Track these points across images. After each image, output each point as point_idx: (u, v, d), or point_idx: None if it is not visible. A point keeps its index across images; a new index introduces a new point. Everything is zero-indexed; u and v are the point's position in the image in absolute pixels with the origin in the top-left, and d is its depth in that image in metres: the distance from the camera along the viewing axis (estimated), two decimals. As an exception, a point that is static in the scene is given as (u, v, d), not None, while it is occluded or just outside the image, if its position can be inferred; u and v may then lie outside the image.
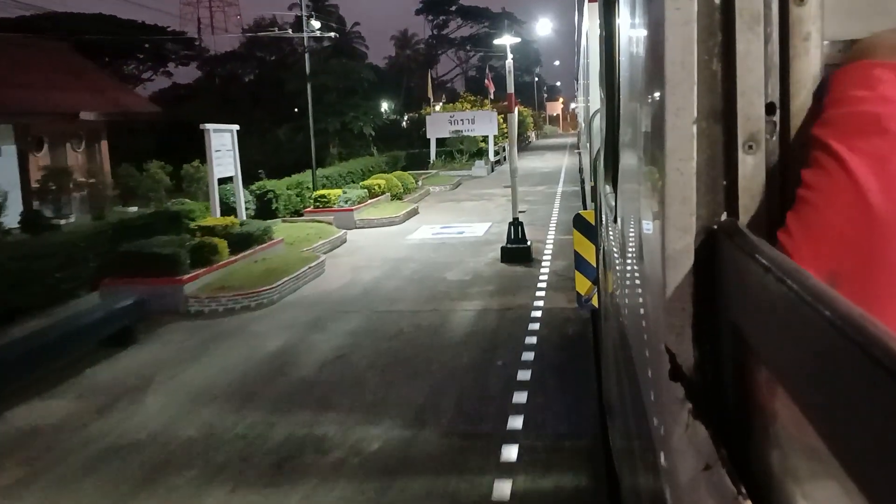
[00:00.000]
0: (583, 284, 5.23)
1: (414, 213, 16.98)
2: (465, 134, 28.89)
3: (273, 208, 16.06)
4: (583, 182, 18.86)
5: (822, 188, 0.71)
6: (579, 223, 5.28)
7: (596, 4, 4.62)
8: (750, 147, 0.76)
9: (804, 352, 0.49)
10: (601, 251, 3.02)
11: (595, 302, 4.57)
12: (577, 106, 23.51)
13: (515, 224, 10.94)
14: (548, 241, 12.47)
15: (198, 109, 29.44)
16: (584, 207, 12.38)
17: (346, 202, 15.53)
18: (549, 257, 11.09)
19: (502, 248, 10.92)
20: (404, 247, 12.84)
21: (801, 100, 0.78)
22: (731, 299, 0.71)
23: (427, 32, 75.58)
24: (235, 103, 27.16)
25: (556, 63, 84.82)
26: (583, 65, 11.19)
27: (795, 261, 0.64)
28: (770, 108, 0.77)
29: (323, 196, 15.68)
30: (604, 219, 2.61)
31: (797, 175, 0.75)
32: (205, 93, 37.15)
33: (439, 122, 29.34)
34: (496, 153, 32.25)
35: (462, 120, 29.20)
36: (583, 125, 18.03)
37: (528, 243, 10.93)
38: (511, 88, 11.14)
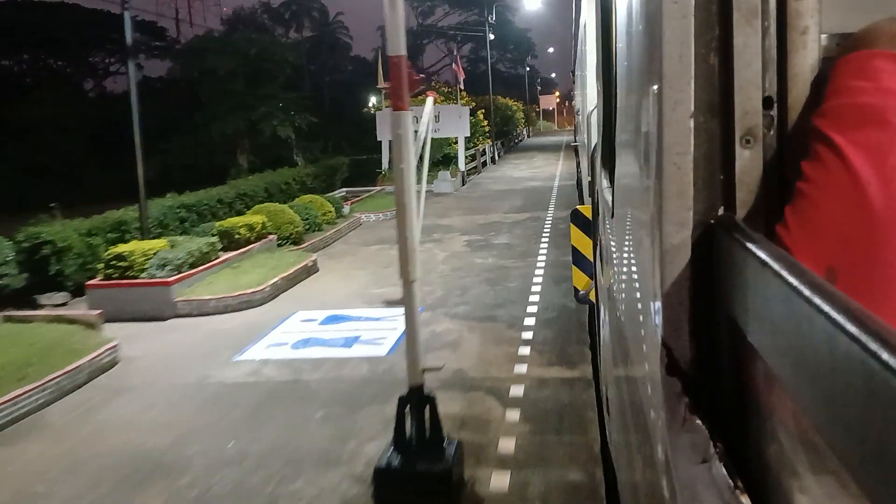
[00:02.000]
0: (580, 279, 4.99)
1: (305, 274, 10.10)
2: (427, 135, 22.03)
3: (54, 273, 9.20)
4: (581, 196, 12.68)
5: (820, 181, 0.69)
6: (576, 218, 4.92)
7: None
8: (747, 141, 0.76)
9: (801, 346, 0.49)
10: (598, 246, 2.78)
11: (592, 296, 3.98)
12: (575, 100, 18.77)
13: (418, 407, 4.08)
14: (512, 393, 5.57)
15: (154, 105, 24.56)
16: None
17: (162, 268, 8.63)
18: (506, 486, 4.22)
19: (378, 473, 4.04)
20: (210, 393, 5.92)
21: (799, 94, 0.77)
22: (729, 294, 0.70)
23: (414, 21, 70.28)
24: (210, 97, 21.71)
25: (551, 50, 76.57)
26: (580, 55, 9.87)
27: (793, 255, 0.64)
28: (767, 103, 0.76)
29: (121, 257, 8.73)
30: (601, 213, 2.45)
31: (795, 169, 0.74)
32: (178, 86, 32.70)
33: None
34: (471, 158, 25.38)
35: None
36: (579, 119, 13.98)
37: (448, 459, 4.03)
38: (400, 49, 4.29)
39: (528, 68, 69.00)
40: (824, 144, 0.69)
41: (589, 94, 6.48)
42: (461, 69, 23.16)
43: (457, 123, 21.69)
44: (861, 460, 0.40)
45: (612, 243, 1.74)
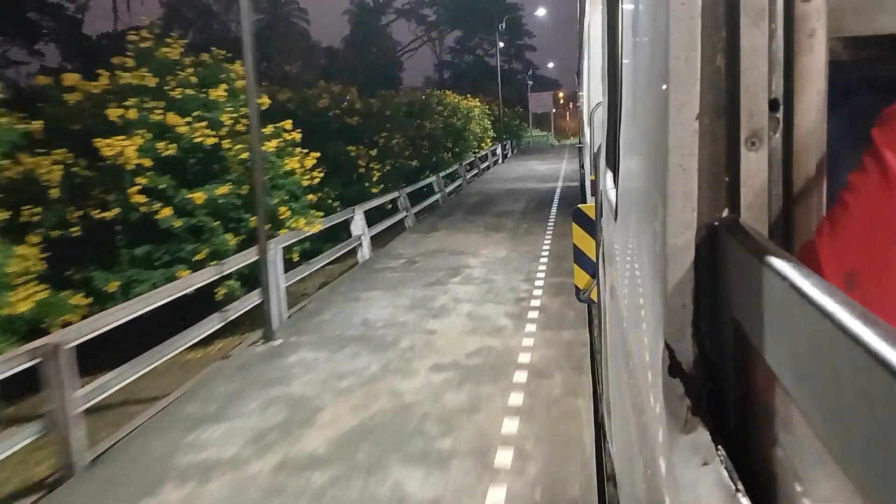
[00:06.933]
0: (581, 278, 5.05)
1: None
2: None
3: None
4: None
5: (860, 193, 0.66)
6: (579, 217, 5.01)
7: None
8: (753, 143, 0.75)
9: (805, 349, 0.49)
10: (601, 246, 2.85)
11: (593, 296, 4.11)
12: (580, 102, 11.56)
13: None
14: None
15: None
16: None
17: None
18: None
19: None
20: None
21: (806, 96, 0.76)
22: (732, 296, 0.70)
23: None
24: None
25: (540, 13, 53.62)
26: (585, 54, 9.37)
27: (821, 262, 0.65)
28: (774, 105, 0.75)
29: None
30: (604, 213, 2.50)
31: (800, 172, 0.75)
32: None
33: None
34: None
35: None
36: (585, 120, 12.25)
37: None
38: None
39: (500, 45, 46.43)
40: (871, 155, 0.66)
41: (592, 96, 6.12)
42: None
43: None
44: (865, 466, 0.39)
45: (616, 244, 1.74)
